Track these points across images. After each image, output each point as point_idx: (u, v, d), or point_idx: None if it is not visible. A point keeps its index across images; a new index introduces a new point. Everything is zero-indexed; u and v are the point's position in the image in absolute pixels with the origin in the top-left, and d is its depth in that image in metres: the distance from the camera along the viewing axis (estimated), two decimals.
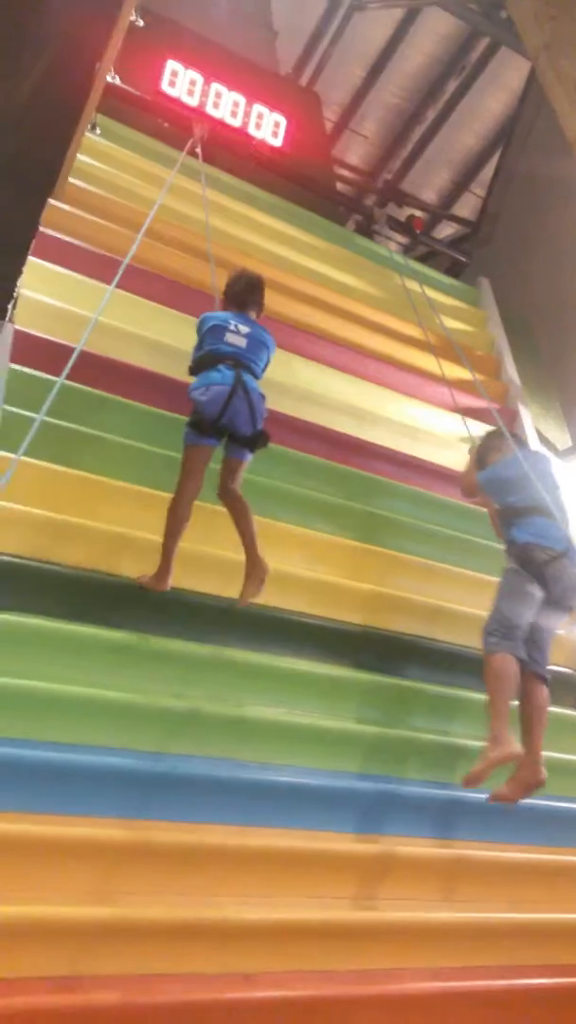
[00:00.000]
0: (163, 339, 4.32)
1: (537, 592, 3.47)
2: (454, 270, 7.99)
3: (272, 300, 5.10)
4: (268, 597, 3.62)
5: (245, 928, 2.63)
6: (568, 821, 3.77)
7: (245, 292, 3.75)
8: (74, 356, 3.19)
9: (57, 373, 3.13)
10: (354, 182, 7.87)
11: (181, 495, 3.30)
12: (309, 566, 3.93)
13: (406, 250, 7.00)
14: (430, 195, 10.51)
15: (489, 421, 5.54)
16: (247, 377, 3.39)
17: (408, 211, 7.67)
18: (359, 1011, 2.69)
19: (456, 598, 4.25)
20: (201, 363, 3.44)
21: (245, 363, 3.43)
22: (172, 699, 3.16)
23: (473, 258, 8.32)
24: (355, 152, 10.18)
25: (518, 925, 3.20)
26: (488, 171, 9.19)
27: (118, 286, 3.75)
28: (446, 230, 10.20)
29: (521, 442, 4.36)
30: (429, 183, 10.65)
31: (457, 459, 5.06)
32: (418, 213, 7.57)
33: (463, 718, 3.82)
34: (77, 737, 2.85)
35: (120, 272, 3.71)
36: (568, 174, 6.82)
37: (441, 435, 5.15)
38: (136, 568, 3.33)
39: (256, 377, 3.49)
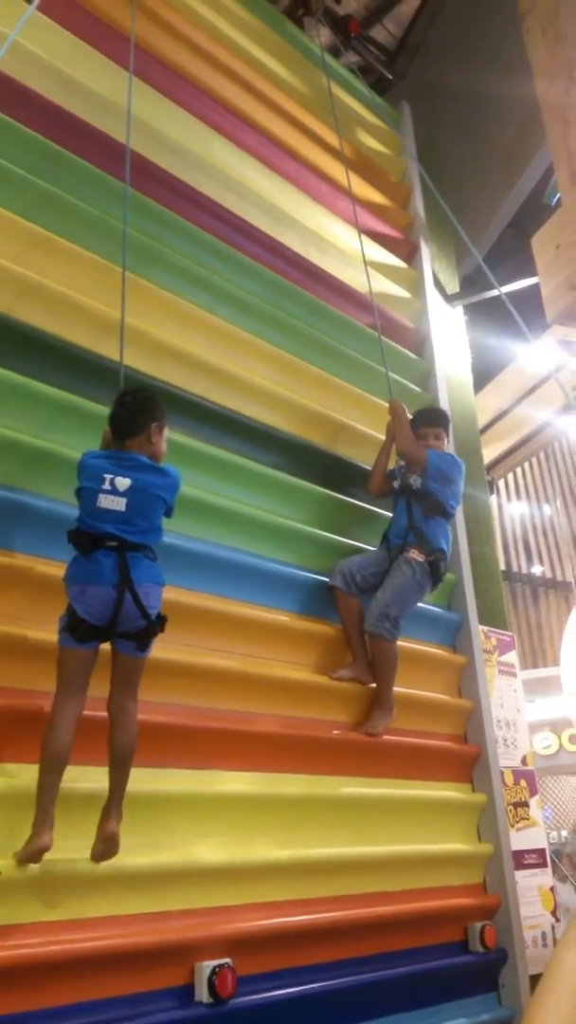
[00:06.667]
0: (76, 75, 3.87)
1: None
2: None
3: (197, 68, 4.71)
4: (167, 373, 3.59)
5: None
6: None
7: (122, 417, 2.76)
8: None
9: None
10: None
11: (56, 718, 2.40)
12: (208, 350, 3.86)
13: (333, 53, 6.55)
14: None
15: (392, 248, 5.54)
16: (135, 563, 2.50)
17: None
18: None
19: (335, 408, 4.41)
20: (73, 542, 2.52)
21: (130, 541, 2.51)
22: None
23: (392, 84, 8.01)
24: None
25: None
26: (405, 6, 8.63)
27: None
28: (354, 58, 9.66)
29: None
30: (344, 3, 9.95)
31: (357, 279, 5.06)
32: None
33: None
34: None
35: None
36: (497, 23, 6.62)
37: (346, 252, 5.08)
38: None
39: (148, 548, 2.58)
